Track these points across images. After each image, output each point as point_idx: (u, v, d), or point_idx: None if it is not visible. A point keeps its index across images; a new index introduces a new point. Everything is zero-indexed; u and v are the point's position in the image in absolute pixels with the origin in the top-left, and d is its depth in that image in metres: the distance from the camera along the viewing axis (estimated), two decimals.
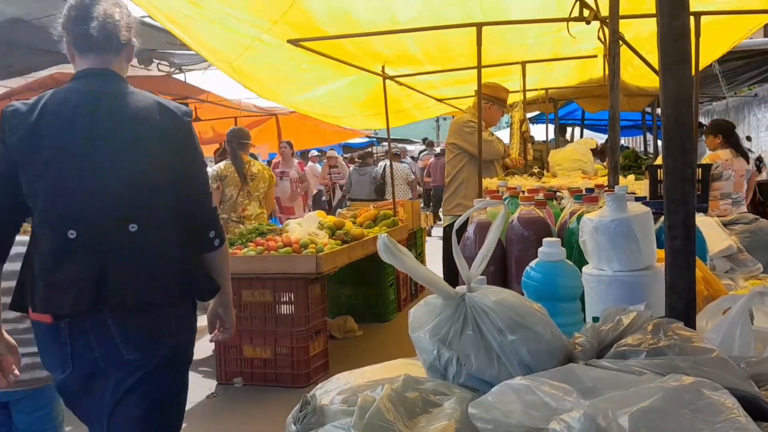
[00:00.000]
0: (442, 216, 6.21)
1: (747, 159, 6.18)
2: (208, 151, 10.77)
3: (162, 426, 2.19)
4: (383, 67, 6.47)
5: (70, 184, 2.06)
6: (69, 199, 2.06)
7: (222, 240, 2.33)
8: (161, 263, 2.14)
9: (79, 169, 2.06)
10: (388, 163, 13.53)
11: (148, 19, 4.63)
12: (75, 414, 2.25)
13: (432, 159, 15.95)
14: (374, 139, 21.19)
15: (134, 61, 6.13)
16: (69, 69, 6.87)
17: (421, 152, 19.30)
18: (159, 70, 7.43)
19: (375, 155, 14.14)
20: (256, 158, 7.01)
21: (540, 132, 11.45)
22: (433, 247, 10.28)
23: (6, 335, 2.22)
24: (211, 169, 6.06)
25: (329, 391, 1.13)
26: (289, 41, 4.78)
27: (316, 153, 16.36)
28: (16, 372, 2.22)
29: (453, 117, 13.69)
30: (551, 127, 9.86)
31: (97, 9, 2.11)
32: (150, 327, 2.11)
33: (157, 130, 2.13)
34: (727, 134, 6.06)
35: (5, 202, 2.11)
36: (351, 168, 13.65)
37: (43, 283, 2.06)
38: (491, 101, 5.47)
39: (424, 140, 20.05)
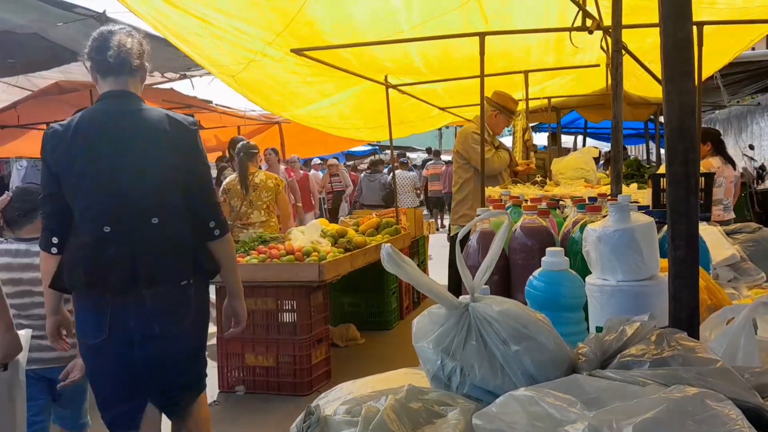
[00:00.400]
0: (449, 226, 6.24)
1: (734, 166, 6.27)
2: (210, 159, 10.81)
3: (199, 361, 2.81)
4: (386, 77, 6.49)
5: (102, 188, 2.51)
6: (103, 201, 2.51)
7: (222, 231, 2.72)
8: (177, 248, 2.60)
9: (110, 176, 2.51)
10: (396, 171, 13.97)
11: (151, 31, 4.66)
12: (96, 387, 2.65)
13: (444, 167, 16.29)
14: (377, 147, 21.22)
15: None
16: (73, 74, 6.86)
17: (426, 161, 19.41)
18: (163, 76, 7.46)
19: (384, 162, 14.47)
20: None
21: (542, 140, 11.46)
22: (437, 254, 10.29)
23: (66, 312, 2.80)
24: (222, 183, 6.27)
25: (332, 401, 1.13)
26: (292, 50, 4.79)
27: (319, 161, 16.40)
28: (68, 343, 2.84)
29: (455, 126, 13.77)
30: (554, 135, 9.88)
31: (113, 39, 2.55)
32: (174, 305, 2.58)
33: (168, 139, 2.56)
34: (715, 142, 6.11)
35: (60, 207, 2.56)
36: (362, 175, 13.99)
37: (85, 268, 2.52)
38: (498, 110, 5.47)
39: (428, 150, 20.13)
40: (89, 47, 2.61)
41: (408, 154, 22.62)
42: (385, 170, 13.91)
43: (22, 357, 2.41)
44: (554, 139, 10.39)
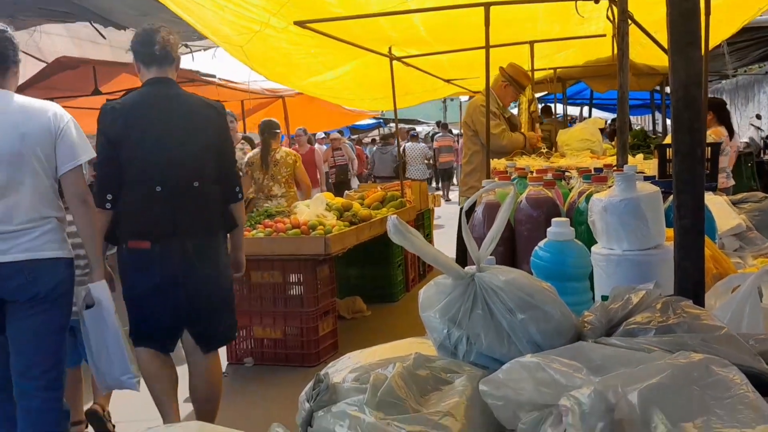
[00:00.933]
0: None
1: (732, 135, 6.25)
2: None
3: (228, 301, 3.40)
4: (390, 48, 6.44)
5: (154, 156, 3.08)
6: (154, 166, 3.08)
7: (242, 195, 3.42)
8: (211, 206, 3.24)
9: (161, 146, 3.09)
10: (407, 143, 14.48)
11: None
12: (138, 317, 3.17)
13: (456, 140, 16.65)
14: (381, 120, 21.14)
15: None
16: (79, 36, 6.82)
17: (434, 134, 19.57)
18: None
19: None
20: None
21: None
22: (450, 226, 10.40)
23: (107, 267, 3.25)
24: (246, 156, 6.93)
25: (341, 370, 1.14)
26: (295, 23, 4.75)
27: (322, 135, 16.37)
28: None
29: (460, 98, 13.71)
30: (560, 106, 9.83)
31: (158, 36, 3.12)
32: (208, 251, 3.20)
33: (205, 120, 3.21)
34: (718, 111, 6.06)
35: (114, 170, 3.08)
36: (374, 148, 14.47)
37: (138, 220, 3.10)
38: (509, 81, 5.40)
39: (438, 123, 20.19)
40: (134, 41, 3.17)
41: (414, 127, 22.63)
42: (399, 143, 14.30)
43: (107, 300, 2.95)
44: (547, 111, 10.33)
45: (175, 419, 3.31)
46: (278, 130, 6.73)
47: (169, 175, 3.10)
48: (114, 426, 3.76)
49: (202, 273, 3.17)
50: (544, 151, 4.84)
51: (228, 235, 3.41)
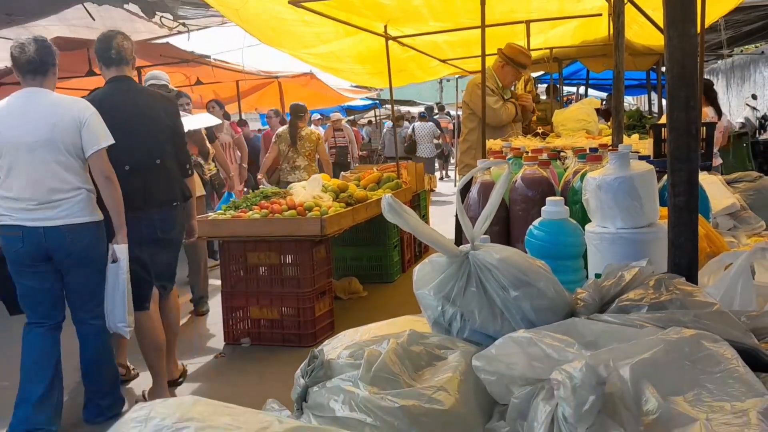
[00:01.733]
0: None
1: (720, 116, 6.24)
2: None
3: (174, 261, 4.13)
4: (386, 27, 6.39)
5: (124, 140, 3.62)
6: (124, 148, 3.63)
7: (192, 172, 4.16)
8: (173, 180, 3.91)
9: (129, 132, 3.68)
10: (416, 123, 14.98)
11: None
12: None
13: (451, 120, 17.09)
14: (377, 102, 21.03)
15: (137, 11, 6.08)
16: (70, 22, 6.80)
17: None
18: (162, 24, 7.34)
19: (405, 118, 15.37)
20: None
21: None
22: (438, 210, 10.56)
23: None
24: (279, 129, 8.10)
25: (336, 347, 1.15)
26: (290, 2, 4.71)
27: (318, 116, 16.30)
28: None
29: (456, 78, 13.68)
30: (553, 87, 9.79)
31: (114, 42, 3.76)
32: (170, 219, 3.89)
33: (161, 108, 3.89)
34: (708, 91, 6.05)
35: None
36: (385, 129, 15.33)
37: None
38: (506, 61, 5.36)
39: (439, 105, 20.21)
40: (96, 46, 3.79)
41: (409, 109, 22.62)
42: (406, 123, 15.46)
43: (124, 260, 3.52)
44: (554, 90, 10.30)
45: (163, 375, 3.95)
46: (304, 113, 7.94)
47: (137, 155, 3.74)
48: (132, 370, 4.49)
49: (164, 237, 3.85)
50: (540, 131, 4.84)
51: (186, 203, 4.04)
